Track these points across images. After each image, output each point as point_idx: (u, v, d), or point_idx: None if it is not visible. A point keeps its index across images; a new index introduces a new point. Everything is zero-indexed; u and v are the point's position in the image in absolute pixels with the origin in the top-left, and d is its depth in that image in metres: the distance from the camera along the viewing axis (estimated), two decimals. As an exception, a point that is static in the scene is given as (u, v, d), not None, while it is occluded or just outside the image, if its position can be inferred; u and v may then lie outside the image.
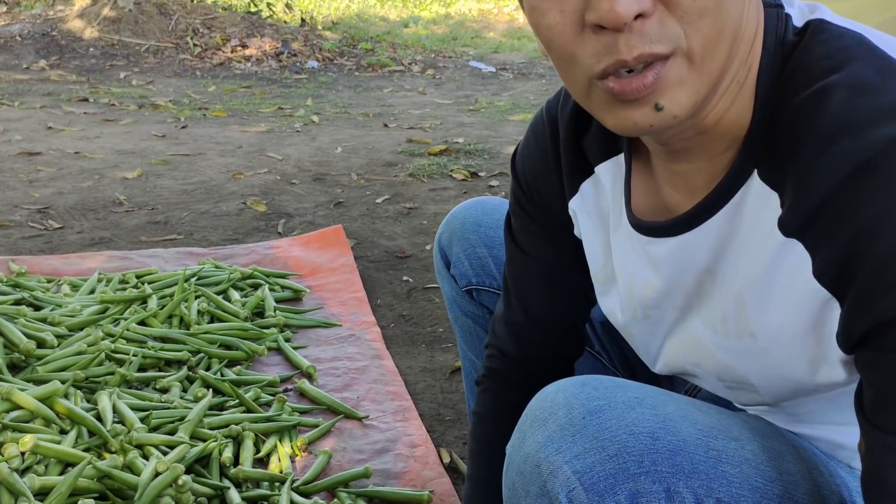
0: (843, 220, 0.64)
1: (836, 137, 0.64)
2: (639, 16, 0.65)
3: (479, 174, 3.59)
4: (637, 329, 0.92)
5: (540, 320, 1.05)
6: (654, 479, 0.71)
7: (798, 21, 0.74)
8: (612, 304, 0.94)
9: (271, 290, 2.24)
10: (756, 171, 0.72)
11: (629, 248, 0.87)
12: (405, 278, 2.46)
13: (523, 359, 1.07)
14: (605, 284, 0.94)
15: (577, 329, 1.07)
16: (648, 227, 0.83)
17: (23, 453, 1.36)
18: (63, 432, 1.48)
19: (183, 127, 4.57)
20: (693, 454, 0.73)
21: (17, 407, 1.49)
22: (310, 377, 1.87)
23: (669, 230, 0.81)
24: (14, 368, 1.73)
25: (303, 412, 1.72)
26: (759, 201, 0.73)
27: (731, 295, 0.78)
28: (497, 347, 1.09)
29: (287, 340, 2.02)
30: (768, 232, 0.72)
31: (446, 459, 1.59)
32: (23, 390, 1.52)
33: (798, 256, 0.69)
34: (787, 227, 0.70)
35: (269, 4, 8.39)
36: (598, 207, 0.92)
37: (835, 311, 0.69)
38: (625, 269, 0.89)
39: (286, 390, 1.81)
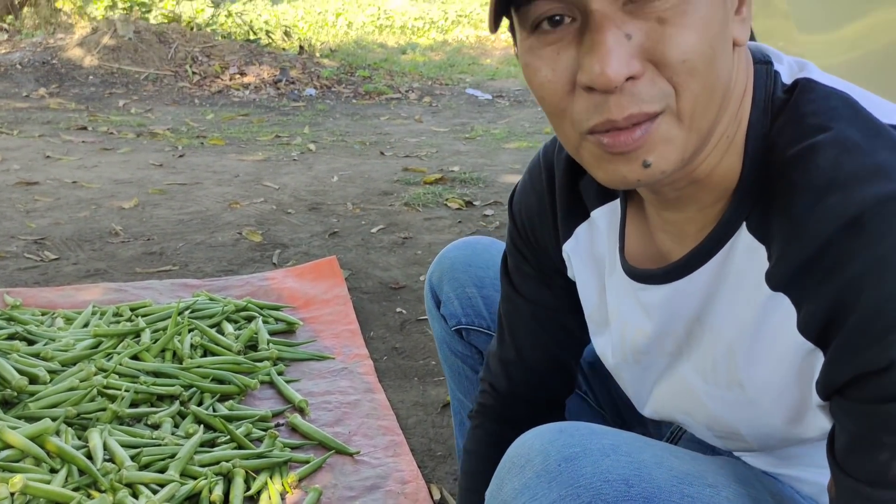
0: (829, 275, 0.65)
1: (824, 193, 0.65)
2: (630, 77, 0.66)
3: (474, 203, 3.61)
4: (627, 373, 0.94)
5: (530, 359, 1.06)
6: None
7: (787, 78, 0.75)
8: (605, 345, 0.95)
9: (265, 322, 2.25)
10: (745, 223, 0.74)
11: (622, 293, 0.89)
12: (399, 310, 2.47)
13: (514, 396, 1.09)
14: (599, 326, 0.96)
15: (569, 369, 1.08)
16: (640, 275, 0.85)
17: (12, 494, 1.36)
18: (53, 471, 1.49)
19: (180, 156, 4.60)
20: (667, 501, 0.74)
21: (8, 446, 1.49)
22: (302, 411, 1.87)
23: (661, 278, 0.82)
24: (6, 405, 1.73)
25: (294, 448, 1.72)
26: (747, 253, 0.74)
27: (721, 344, 0.80)
28: (490, 383, 1.11)
29: (280, 374, 2.02)
30: (755, 285, 0.73)
31: (437, 496, 1.59)
32: (14, 428, 1.52)
33: (784, 311, 0.71)
34: (774, 280, 0.71)
35: (267, 32, 8.46)
36: (592, 251, 0.94)
37: (818, 360, 0.70)
38: (618, 313, 0.90)
39: (278, 425, 1.82)
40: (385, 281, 2.69)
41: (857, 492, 0.67)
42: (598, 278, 0.93)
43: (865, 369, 0.64)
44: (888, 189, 0.62)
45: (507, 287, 1.05)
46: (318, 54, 8.15)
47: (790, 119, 0.71)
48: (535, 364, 1.06)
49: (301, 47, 8.16)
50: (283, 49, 8.05)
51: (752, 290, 0.74)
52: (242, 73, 7.07)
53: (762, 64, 0.76)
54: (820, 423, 0.75)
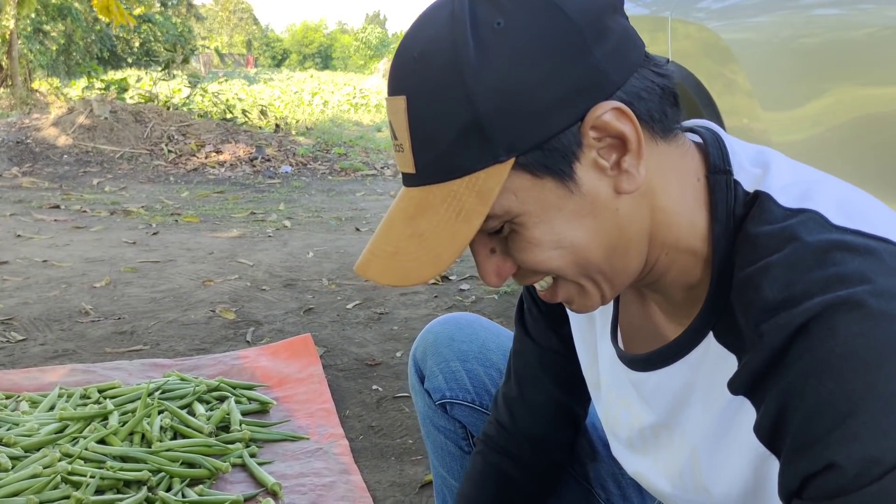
0: (778, 379, 0.67)
1: (777, 310, 0.67)
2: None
3: (450, 277, 3.61)
4: (613, 441, 0.94)
5: (533, 400, 1.08)
6: None
7: (749, 185, 0.76)
8: (597, 406, 0.96)
9: (237, 402, 2.20)
10: (712, 332, 0.75)
11: (609, 362, 0.90)
12: (375, 387, 2.43)
13: (517, 432, 1.10)
14: (594, 389, 0.96)
15: (572, 413, 1.10)
16: (626, 357, 0.86)
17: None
18: (11, 564, 1.41)
19: (154, 233, 4.57)
20: None
21: (-36, 538, 1.42)
22: (275, 495, 1.81)
23: (642, 364, 0.84)
24: (-36, 494, 1.66)
25: (266, 534, 1.65)
26: (715, 360, 0.75)
27: (686, 449, 0.80)
28: (496, 417, 1.13)
29: (252, 455, 1.96)
30: (720, 391, 0.74)
31: (416, 582, 1.53)
32: (-29, 519, 1.45)
33: (745, 413, 0.72)
34: (735, 385, 0.72)
35: (244, 111, 8.56)
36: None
37: (774, 468, 0.70)
38: (607, 382, 0.91)
39: (250, 510, 1.75)
40: (361, 357, 2.65)
41: None
42: (592, 338, 0.95)
43: (809, 471, 0.64)
44: (834, 296, 0.64)
45: (519, 328, 1.08)
46: (293, 132, 8.24)
47: (746, 239, 0.73)
48: (538, 405, 1.08)
49: (277, 125, 8.25)
50: (260, 128, 8.14)
51: (716, 396, 0.75)
52: (218, 151, 7.11)
53: (721, 174, 0.76)
54: None
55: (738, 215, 0.74)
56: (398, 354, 2.67)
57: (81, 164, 6.72)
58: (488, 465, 1.12)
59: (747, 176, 0.76)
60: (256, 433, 2.06)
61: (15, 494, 1.63)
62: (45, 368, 2.47)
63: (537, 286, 0.78)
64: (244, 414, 2.16)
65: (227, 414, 2.11)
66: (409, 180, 0.74)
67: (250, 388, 2.32)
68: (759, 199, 0.74)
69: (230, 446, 1.96)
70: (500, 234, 0.74)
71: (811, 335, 0.64)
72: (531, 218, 0.71)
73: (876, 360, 0.61)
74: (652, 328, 0.84)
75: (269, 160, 7.06)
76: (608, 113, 0.69)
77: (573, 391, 1.07)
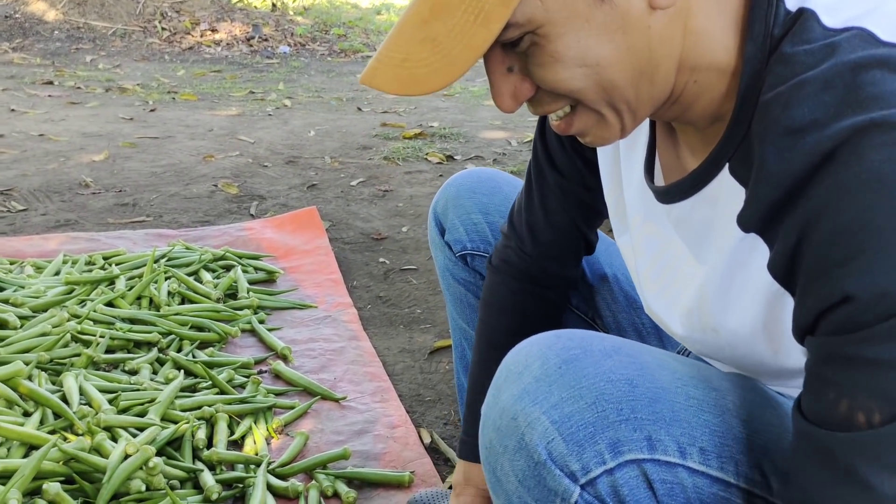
0: (795, 210, 0.62)
1: (804, 133, 0.62)
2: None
3: (455, 157, 3.55)
4: (635, 276, 0.93)
5: (556, 222, 1.06)
6: (634, 427, 0.69)
7: (792, 5, 0.69)
8: (625, 244, 0.93)
9: (244, 271, 2.18)
10: (728, 164, 0.71)
11: (638, 196, 0.87)
12: (381, 260, 2.41)
13: (540, 256, 1.09)
14: (618, 217, 0.94)
15: (586, 238, 1.10)
16: (651, 186, 0.82)
17: (-17, 436, 1.30)
18: (26, 414, 1.42)
19: (152, 110, 4.47)
20: (673, 402, 0.71)
21: (-22, 388, 1.42)
22: (285, 359, 1.81)
23: (661, 196, 0.80)
24: (-26, 350, 1.65)
25: (278, 394, 1.67)
26: (729, 195, 0.71)
27: (696, 286, 0.77)
28: (516, 244, 1.11)
29: (261, 322, 1.96)
30: (729, 228, 0.71)
31: (427, 440, 1.55)
32: (-17, 372, 1.45)
33: (758, 251, 0.68)
34: (744, 221, 0.68)
35: (239, -11, 8.25)
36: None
37: (788, 305, 0.67)
38: (634, 208, 0.89)
39: (260, 372, 1.76)
40: (367, 232, 2.63)
41: (807, 433, 0.64)
42: (616, 162, 0.91)
43: (824, 306, 0.61)
44: (866, 118, 0.58)
45: (541, 151, 1.04)
46: (291, 12, 7.97)
47: (783, 56, 0.66)
48: (560, 227, 1.07)
49: (273, 4, 7.97)
50: (255, 7, 7.86)
51: (728, 233, 0.71)
52: (214, 30, 6.89)
53: None
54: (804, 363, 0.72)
55: (776, 36, 0.68)
56: (404, 230, 2.65)
57: (73, 41, 6.51)
58: (512, 292, 1.11)
59: None
60: (264, 300, 2.06)
61: (25, 351, 1.62)
62: (48, 236, 2.44)
63: (552, 116, 0.73)
64: (251, 283, 2.14)
65: (235, 282, 2.09)
66: None
67: (256, 258, 2.30)
68: (802, 18, 0.67)
69: (238, 312, 1.95)
70: (518, 48, 0.67)
71: (837, 162, 0.59)
72: (556, 28, 0.65)
73: None
74: (680, 163, 0.80)
75: (266, 40, 6.85)
76: None
77: (589, 217, 1.06)
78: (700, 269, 0.77)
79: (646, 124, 0.85)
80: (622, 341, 0.76)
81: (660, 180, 0.83)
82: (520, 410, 0.71)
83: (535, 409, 0.70)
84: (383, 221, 2.73)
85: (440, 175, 3.28)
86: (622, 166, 0.90)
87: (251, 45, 6.72)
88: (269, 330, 1.92)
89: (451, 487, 1.37)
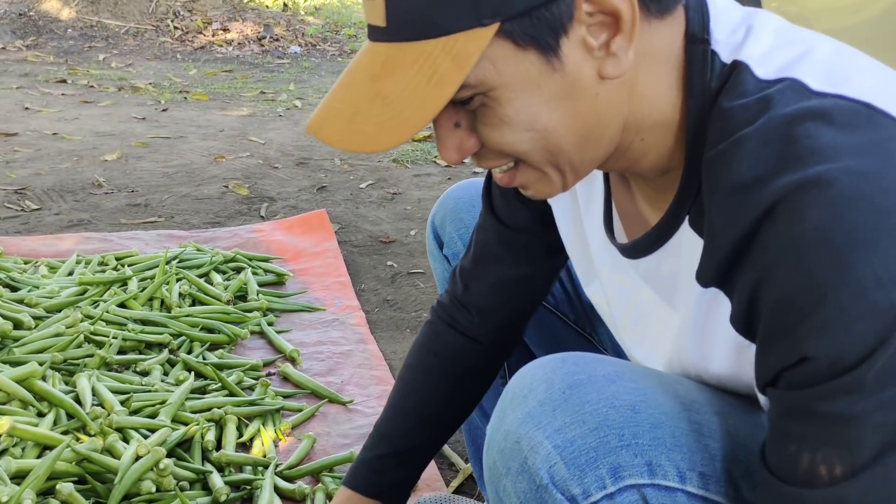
0: (747, 267, 0.64)
1: (745, 189, 0.63)
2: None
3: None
4: (612, 328, 0.94)
5: (487, 275, 1.04)
6: (635, 453, 0.71)
7: (726, 56, 0.70)
8: (595, 293, 0.94)
9: (254, 273, 2.21)
10: (687, 217, 0.73)
11: (602, 246, 0.88)
12: (389, 263, 2.44)
13: (468, 303, 1.07)
14: (584, 267, 0.94)
15: (531, 289, 1.05)
16: (614, 243, 0.83)
17: (-1, 435, 1.33)
18: (41, 415, 1.45)
19: (163, 110, 4.50)
20: (675, 427, 0.73)
21: (-7, 388, 1.45)
22: (293, 361, 1.84)
23: (627, 252, 0.81)
24: (-10, 350, 1.69)
25: (286, 396, 1.69)
26: (690, 247, 0.73)
27: (671, 336, 0.79)
28: (450, 289, 1.10)
29: (270, 324, 1.99)
30: (691, 282, 0.72)
31: (432, 444, 1.57)
32: (-1, 372, 1.48)
33: (721, 305, 0.70)
34: (701, 277, 0.70)
35: (251, -12, 8.28)
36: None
37: (752, 354, 0.69)
38: (601, 260, 0.89)
39: (269, 374, 1.79)
40: (375, 235, 2.65)
41: (772, 485, 0.66)
42: (575, 214, 0.91)
43: (782, 365, 0.63)
44: (803, 176, 0.60)
45: (485, 203, 1.03)
46: (302, 12, 8.00)
47: (720, 114, 0.68)
48: (492, 280, 1.04)
49: (285, 4, 8.00)
50: (267, 6, 7.90)
51: (690, 286, 0.73)
52: (225, 29, 6.93)
53: (699, 44, 0.71)
54: None
55: (714, 89, 0.69)
56: (412, 233, 2.67)
57: (86, 39, 6.56)
58: (435, 334, 1.09)
59: (727, 44, 0.71)
60: (273, 303, 2.08)
61: (39, 351, 1.65)
62: (62, 236, 2.47)
63: (496, 169, 0.73)
64: (261, 285, 2.17)
65: (244, 284, 2.12)
66: (376, 34, 0.67)
67: (266, 260, 2.33)
68: (736, 71, 0.68)
69: (248, 314, 1.98)
70: (467, 105, 0.68)
71: (779, 219, 0.61)
72: (507, 92, 0.66)
73: (845, 245, 0.58)
74: (638, 214, 0.82)
75: (277, 40, 6.88)
76: None
77: (538, 267, 1.03)
78: (674, 317, 0.78)
79: (600, 176, 0.86)
80: (626, 366, 0.77)
81: (621, 233, 0.84)
82: (524, 434, 0.72)
83: (538, 433, 0.71)
84: (391, 224, 2.75)
85: (448, 178, 3.31)
86: (584, 219, 0.90)
87: (262, 45, 6.76)
88: (278, 332, 1.95)
89: (455, 492, 1.40)
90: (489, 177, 1.02)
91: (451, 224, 1.23)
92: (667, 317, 0.80)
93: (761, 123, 0.64)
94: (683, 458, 0.72)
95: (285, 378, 1.77)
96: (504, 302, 1.06)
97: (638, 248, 0.79)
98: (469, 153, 0.72)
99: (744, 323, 0.67)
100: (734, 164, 0.64)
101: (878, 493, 0.62)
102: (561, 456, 0.70)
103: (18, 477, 1.29)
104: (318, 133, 0.68)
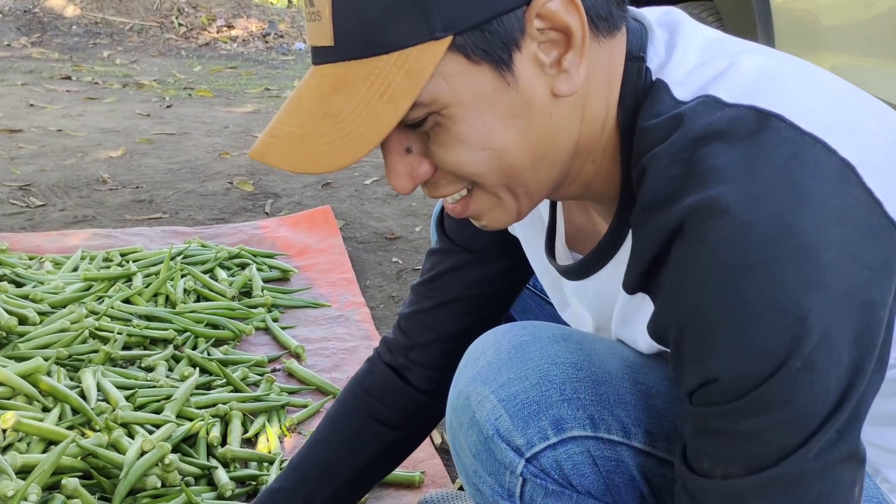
0: (658, 285, 0.67)
1: (653, 208, 0.65)
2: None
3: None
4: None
5: (441, 314, 1.03)
6: (576, 407, 0.74)
7: (656, 72, 0.71)
8: (570, 319, 0.95)
9: (259, 269, 2.21)
10: (631, 231, 0.73)
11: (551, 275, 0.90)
12: (394, 259, 2.43)
13: (405, 347, 1.07)
14: (555, 293, 0.94)
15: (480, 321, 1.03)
16: (560, 269, 0.85)
17: (4, 430, 1.32)
18: (46, 410, 1.45)
19: (168, 106, 4.50)
20: (619, 386, 0.76)
21: (-1, 384, 1.45)
22: (298, 357, 1.84)
23: (573, 274, 0.83)
24: (-5, 345, 1.69)
25: (291, 392, 1.69)
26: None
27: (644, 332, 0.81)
28: (390, 335, 1.11)
29: (275, 320, 1.99)
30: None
31: (437, 441, 1.57)
32: (3, 367, 1.48)
33: (647, 307, 0.72)
34: (627, 286, 0.73)
35: (255, -15, 8.28)
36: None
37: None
38: (555, 286, 0.92)
39: (274, 370, 1.79)
40: (380, 231, 2.65)
41: (688, 492, 0.69)
42: (539, 242, 0.91)
43: (690, 387, 0.65)
44: (703, 197, 0.61)
45: (439, 231, 1.02)
46: (306, 8, 8.00)
47: (638, 132, 0.69)
48: (443, 319, 1.04)
49: (289, 1, 8.00)
50: (271, 3, 7.90)
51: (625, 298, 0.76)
52: (230, 26, 6.93)
53: (635, 62, 0.71)
54: None
55: (638, 108, 0.70)
56: (417, 229, 2.67)
57: (91, 36, 6.56)
58: (367, 377, 1.12)
59: (657, 63, 0.71)
60: (278, 299, 2.08)
61: (44, 347, 1.65)
62: (67, 232, 2.47)
63: (448, 199, 0.72)
64: (265, 281, 2.17)
65: (249, 280, 2.12)
66: (323, 55, 0.66)
67: (271, 256, 2.33)
68: (654, 89, 0.69)
69: (253, 310, 1.98)
70: (419, 129, 0.67)
71: (686, 239, 0.63)
72: (461, 110, 0.65)
73: (739, 268, 0.60)
74: (596, 235, 0.82)
75: (282, 36, 6.88)
76: (556, 1, 0.64)
77: (487, 299, 1.02)
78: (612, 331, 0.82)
79: (545, 205, 0.86)
80: (573, 331, 0.80)
81: (574, 258, 0.85)
82: (472, 391, 0.77)
83: (484, 388, 0.76)
84: (396, 221, 2.75)
85: (453, 175, 3.30)
86: (557, 247, 0.89)
87: (267, 42, 6.76)
88: (283, 328, 1.95)
89: (461, 488, 1.39)
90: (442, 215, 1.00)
91: None
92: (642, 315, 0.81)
93: (671, 142, 0.65)
94: (628, 414, 0.76)
95: (290, 374, 1.77)
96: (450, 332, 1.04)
97: (585, 267, 0.80)
98: (421, 180, 0.70)
99: (655, 335, 0.70)
100: (647, 182, 0.66)
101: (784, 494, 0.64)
102: (505, 408, 0.74)
103: (24, 472, 1.28)
104: (264, 157, 0.66)
